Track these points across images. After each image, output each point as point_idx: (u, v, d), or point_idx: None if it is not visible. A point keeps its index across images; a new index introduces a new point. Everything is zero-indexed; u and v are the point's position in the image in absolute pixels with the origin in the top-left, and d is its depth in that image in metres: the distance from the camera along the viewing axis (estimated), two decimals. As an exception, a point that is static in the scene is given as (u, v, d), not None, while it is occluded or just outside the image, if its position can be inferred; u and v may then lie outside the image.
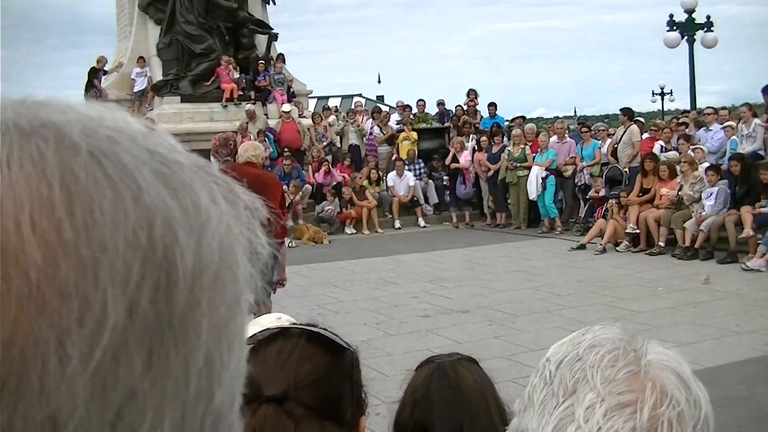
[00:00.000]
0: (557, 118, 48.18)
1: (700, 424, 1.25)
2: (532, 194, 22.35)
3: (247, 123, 25.25)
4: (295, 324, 2.04)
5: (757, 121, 19.62)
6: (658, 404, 1.23)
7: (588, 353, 1.30)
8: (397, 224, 24.41)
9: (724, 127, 19.65)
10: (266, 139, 25.20)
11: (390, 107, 30.97)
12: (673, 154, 19.96)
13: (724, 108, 22.22)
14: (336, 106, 34.37)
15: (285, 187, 23.60)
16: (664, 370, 1.28)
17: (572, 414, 1.25)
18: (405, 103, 28.94)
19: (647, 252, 18.06)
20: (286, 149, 24.88)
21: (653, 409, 1.22)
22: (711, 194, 17.30)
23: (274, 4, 30.27)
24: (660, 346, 1.35)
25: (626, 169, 20.51)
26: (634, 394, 1.24)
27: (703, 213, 17.28)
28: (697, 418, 1.25)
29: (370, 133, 26.83)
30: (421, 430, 2.47)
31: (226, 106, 26.75)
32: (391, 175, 24.93)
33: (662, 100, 64.14)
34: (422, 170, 25.63)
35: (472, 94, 28.60)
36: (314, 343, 1.99)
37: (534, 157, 22.40)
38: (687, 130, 21.70)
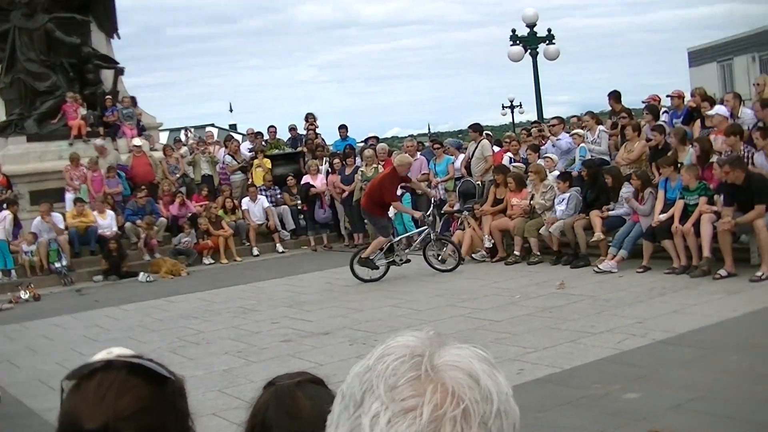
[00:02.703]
0: (411, 136, 48.62)
1: (492, 417, 1.26)
2: (390, 213, 22.46)
3: (97, 158, 24.85)
4: (120, 357, 2.02)
5: (601, 127, 20.18)
6: (440, 405, 1.23)
7: (377, 363, 1.32)
8: (255, 251, 24.32)
9: (572, 135, 20.12)
10: (117, 175, 24.89)
11: (243, 135, 30.81)
12: (519, 165, 20.38)
13: (574, 116, 22.76)
14: (194, 135, 33.86)
15: (139, 221, 23.43)
16: (453, 370, 1.28)
17: (359, 425, 1.27)
18: (256, 131, 28.88)
19: (504, 261, 18.39)
20: (141, 185, 24.58)
21: (435, 410, 1.23)
22: (563, 200, 17.70)
23: (119, 38, 29.91)
24: (456, 347, 1.35)
25: (479, 183, 20.83)
26: (417, 398, 1.24)
27: (555, 217, 17.67)
28: (489, 411, 1.26)
29: (223, 163, 26.68)
30: None
31: (72, 144, 26.14)
32: (245, 201, 24.85)
33: (512, 112, 65.20)
34: (278, 195, 25.61)
35: (310, 118, 28.68)
36: (135, 375, 1.95)
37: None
38: (533, 140, 22.17)
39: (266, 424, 2.46)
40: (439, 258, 18.32)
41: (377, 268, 18.05)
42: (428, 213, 19.01)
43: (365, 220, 23.61)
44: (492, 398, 1.27)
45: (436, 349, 1.32)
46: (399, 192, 21.99)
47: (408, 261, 18.49)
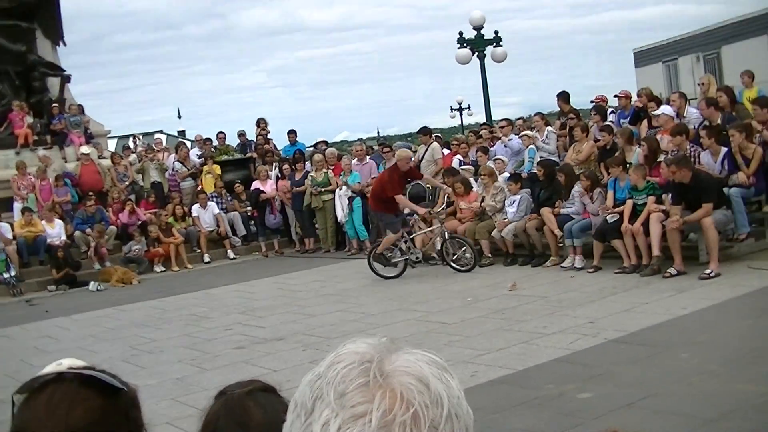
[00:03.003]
0: (360, 140, 48.65)
1: (443, 421, 1.27)
2: (341, 217, 22.50)
3: (45, 167, 24.62)
4: (71, 368, 1.99)
5: (549, 128, 20.29)
6: (389, 410, 1.24)
7: (327, 370, 1.32)
8: (207, 258, 24.23)
9: (521, 137, 20.20)
10: (65, 184, 24.67)
11: (192, 141, 30.68)
12: (469, 168, 20.45)
13: (520, 118, 22.86)
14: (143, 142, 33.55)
15: (88, 230, 23.24)
16: (402, 375, 1.29)
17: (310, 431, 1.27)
18: (205, 137, 28.76)
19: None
20: (90, 192, 24.37)
21: (384, 415, 1.24)
22: (514, 202, 17.78)
23: (65, 45, 29.66)
24: (407, 352, 1.36)
25: (428, 186, 20.85)
26: (367, 404, 1.25)
27: (506, 219, 17.76)
28: (439, 415, 1.27)
29: (173, 169, 26.54)
30: None
31: (19, 153, 25.86)
32: (195, 207, 24.76)
33: (461, 115, 65.45)
34: (230, 200, 25.54)
35: (262, 123, 28.65)
36: (87, 386, 1.94)
37: (346, 180, 22.53)
38: (482, 142, 22.25)
39: None
40: (455, 257, 17.73)
41: (392, 264, 18.04)
42: (439, 210, 18.60)
43: (316, 225, 23.69)
44: (442, 402, 1.28)
45: (386, 355, 1.33)
46: (349, 195, 22.14)
47: (419, 261, 18.43)
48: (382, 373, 1.28)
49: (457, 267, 17.53)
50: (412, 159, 18.72)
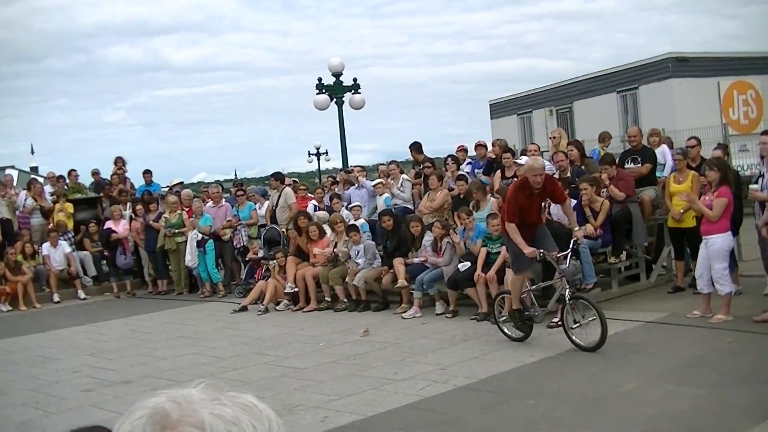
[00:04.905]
0: (218, 181, 48.33)
1: None
2: (188, 261, 22.27)
3: None
4: None
5: (404, 176, 20.52)
6: None
7: (119, 426, 1.35)
8: (56, 298, 23.64)
9: (375, 185, 20.34)
10: None
11: (44, 178, 29.98)
12: (323, 213, 20.54)
13: (381, 164, 23.03)
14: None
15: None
16: (185, 426, 1.32)
17: None
18: (57, 174, 28.15)
19: (306, 310, 18.41)
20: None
21: None
22: (358, 252, 17.96)
23: None
24: (212, 400, 1.40)
25: (284, 230, 20.84)
26: None
27: (357, 267, 17.86)
28: None
29: (24, 206, 25.90)
30: None
31: None
32: (45, 246, 24.15)
33: (318, 160, 65.68)
34: (73, 240, 25.03)
35: (119, 162, 28.18)
36: None
37: (198, 222, 22.32)
38: (337, 188, 22.39)
39: None
40: (576, 325, 12.48)
41: (526, 320, 13.43)
42: (565, 256, 12.81)
43: (170, 267, 23.37)
44: None
45: (179, 407, 1.35)
46: (199, 238, 21.86)
47: (537, 320, 13.44)
48: (164, 426, 1.31)
49: (579, 342, 12.38)
50: (545, 170, 13.11)
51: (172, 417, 1.32)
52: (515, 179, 17.10)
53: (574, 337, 12.40)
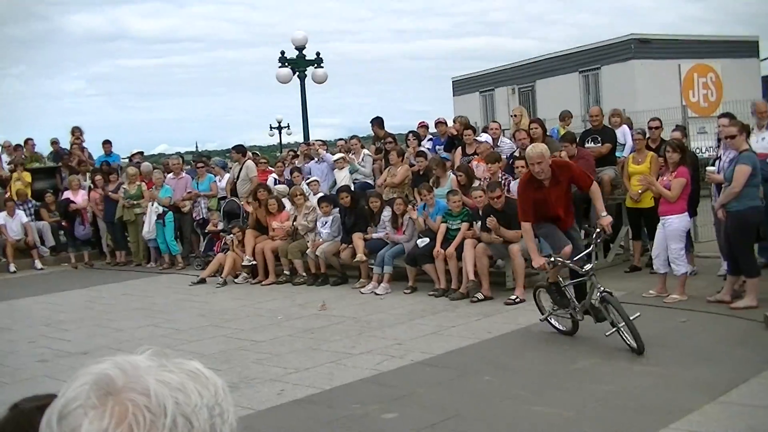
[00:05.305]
0: (179, 153, 48.07)
1: (165, 429, 1.28)
2: (149, 234, 22.15)
3: None
4: None
5: (365, 151, 20.52)
6: (103, 429, 1.25)
7: (61, 392, 1.34)
8: (12, 268, 23.45)
9: (336, 160, 20.28)
10: None
11: (0, 146, 29.61)
12: (283, 187, 20.47)
13: (341, 139, 22.95)
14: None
15: None
16: (129, 391, 1.30)
17: None
18: (14, 143, 27.85)
19: (264, 283, 18.44)
20: None
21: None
22: (326, 222, 17.90)
23: None
24: (156, 366, 1.38)
25: (243, 203, 20.76)
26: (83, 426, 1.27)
27: (320, 239, 17.85)
28: (161, 425, 1.28)
29: (-21, 176, 25.65)
30: None
31: None
32: (2, 215, 23.92)
33: (280, 133, 65.56)
34: (36, 208, 24.84)
35: (77, 132, 27.90)
36: None
37: (157, 194, 22.17)
38: (297, 162, 22.32)
39: None
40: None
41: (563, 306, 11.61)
42: (588, 255, 11.37)
43: (128, 238, 23.26)
44: (165, 411, 1.29)
45: (124, 372, 1.34)
46: (159, 211, 21.74)
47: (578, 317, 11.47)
48: (108, 392, 1.29)
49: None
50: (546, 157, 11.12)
51: (117, 384, 1.30)
52: (475, 156, 17.18)
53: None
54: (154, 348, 1.43)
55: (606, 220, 11.06)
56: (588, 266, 10.84)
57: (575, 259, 10.84)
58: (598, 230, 11.12)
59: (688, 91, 33.00)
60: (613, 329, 10.47)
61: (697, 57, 33.51)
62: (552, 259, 10.81)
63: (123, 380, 1.30)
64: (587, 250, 11.25)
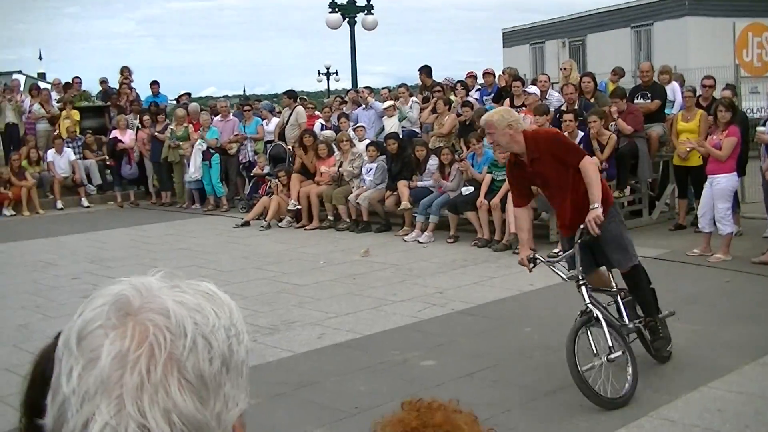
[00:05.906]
0: (226, 96, 48.20)
1: (186, 351, 1.27)
2: (192, 172, 22.20)
3: None
4: None
5: (413, 99, 20.49)
6: (125, 348, 1.24)
7: (78, 313, 1.32)
8: (59, 205, 23.67)
9: (386, 108, 20.24)
10: None
11: (50, 84, 29.75)
12: (330, 132, 20.46)
13: (385, 88, 22.91)
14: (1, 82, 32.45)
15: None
16: (147, 312, 1.29)
17: (59, 385, 1.27)
18: (63, 81, 28.00)
19: (308, 228, 18.50)
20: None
21: (117, 353, 1.24)
22: (370, 169, 17.90)
23: None
24: (172, 287, 1.36)
25: (290, 147, 20.77)
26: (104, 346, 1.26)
27: (364, 186, 17.87)
28: (181, 345, 1.27)
29: (29, 112, 25.80)
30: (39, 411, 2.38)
31: None
32: (51, 152, 24.09)
33: (328, 80, 65.45)
34: (85, 146, 24.99)
35: (125, 72, 27.98)
36: None
37: (204, 135, 22.22)
38: (345, 108, 22.30)
39: (46, 375, 2.37)
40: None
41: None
42: (571, 257, 8.56)
43: (174, 179, 23.37)
44: (185, 332, 1.28)
45: (141, 293, 1.33)
46: (204, 149, 21.78)
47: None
48: (127, 312, 1.28)
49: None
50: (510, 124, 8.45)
51: (135, 304, 1.30)
52: (524, 108, 17.06)
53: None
54: (165, 269, 1.42)
55: (593, 213, 8.11)
56: (570, 273, 8.53)
57: (555, 261, 8.80)
58: (582, 227, 8.24)
59: (742, 50, 32.47)
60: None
61: (753, 15, 32.97)
62: (533, 256, 8.43)
63: (140, 300, 1.30)
64: (567, 253, 8.71)
